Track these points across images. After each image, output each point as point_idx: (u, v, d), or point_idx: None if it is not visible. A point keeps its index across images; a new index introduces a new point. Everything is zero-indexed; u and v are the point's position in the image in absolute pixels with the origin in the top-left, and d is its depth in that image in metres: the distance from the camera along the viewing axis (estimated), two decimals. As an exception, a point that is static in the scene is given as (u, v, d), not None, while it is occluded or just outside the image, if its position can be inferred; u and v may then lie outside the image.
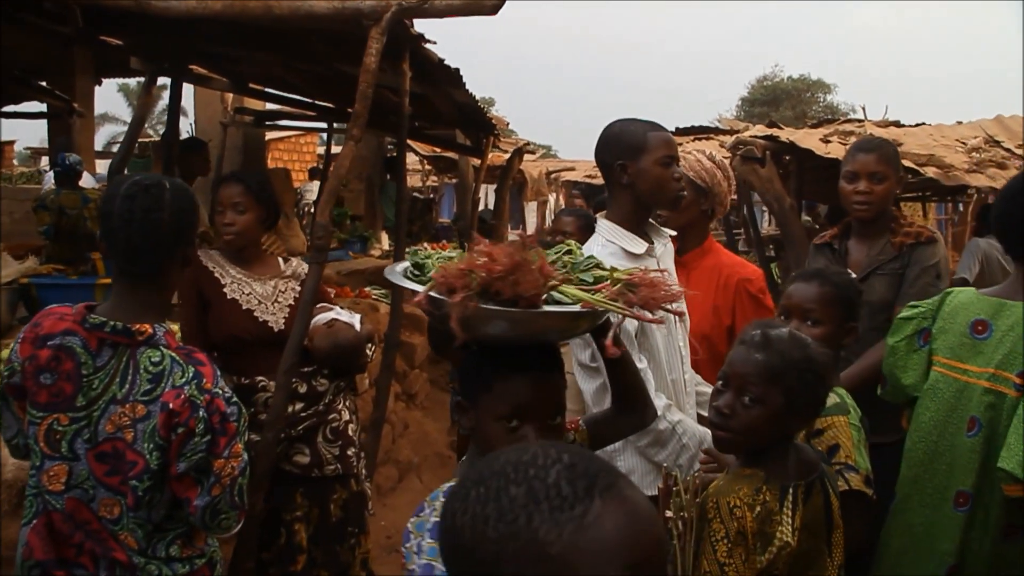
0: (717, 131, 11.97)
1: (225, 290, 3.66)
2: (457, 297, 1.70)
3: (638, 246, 2.90)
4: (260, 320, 3.64)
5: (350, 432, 3.82)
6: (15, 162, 21.85)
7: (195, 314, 3.68)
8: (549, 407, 1.78)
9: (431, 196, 19.31)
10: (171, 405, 2.04)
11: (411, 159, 19.72)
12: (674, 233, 3.14)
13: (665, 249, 3.06)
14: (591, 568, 0.94)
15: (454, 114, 7.33)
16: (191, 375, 2.09)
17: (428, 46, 5.33)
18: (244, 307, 3.64)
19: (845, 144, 6.09)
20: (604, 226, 2.97)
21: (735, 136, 6.37)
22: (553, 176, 18.88)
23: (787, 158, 6.40)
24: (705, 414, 2.78)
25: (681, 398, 2.97)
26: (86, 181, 7.98)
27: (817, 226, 11.70)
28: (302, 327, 3.53)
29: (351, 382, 3.97)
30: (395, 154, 14.64)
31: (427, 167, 19.97)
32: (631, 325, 2.76)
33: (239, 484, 2.13)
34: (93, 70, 8.31)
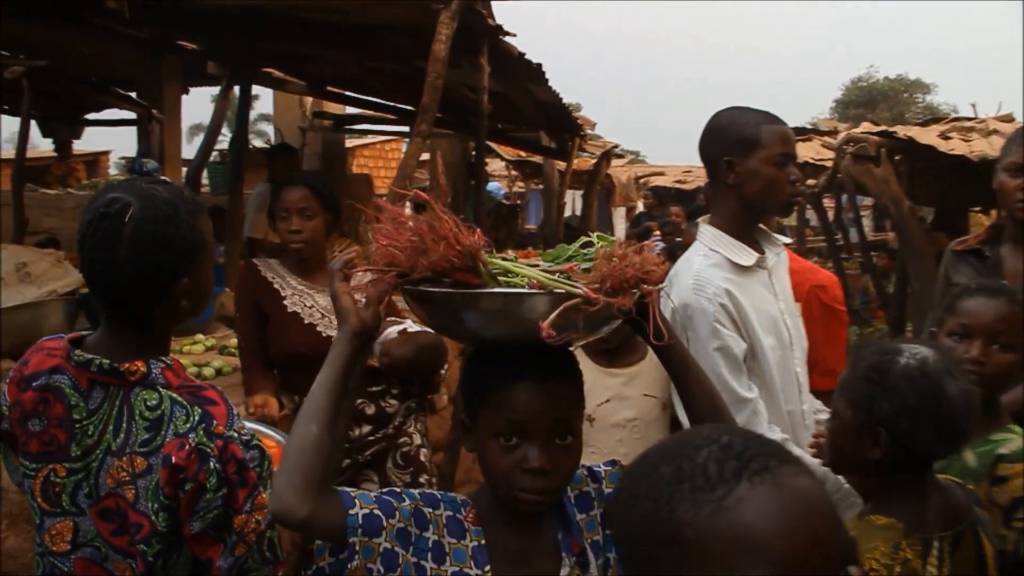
0: (815, 132, 11.42)
1: (285, 303, 3.45)
2: (365, 279, 1.53)
3: (746, 256, 2.52)
4: (323, 335, 3.39)
5: (422, 457, 3.56)
6: (111, 171, 22.31)
7: (253, 329, 3.50)
8: (553, 421, 1.53)
9: (517, 202, 19.04)
10: (174, 459, 1.66)
11: (497, 165, 19.48)
12: (789, 240, 2.71)
13: (779, 260, 2.65)
14: (727, 558, 0.87)
15: (537, 114, 6.99)
16: (197, 418, 1.71)
17: (508, 39, 5.01)
18: (306, 321, 3.42)
19: (967, 140, 5.53)
20: (707, 233, 2.58)
21: (844, 133, 5.84)
22: (642, 181, 18.44)
23: (897, 158, 5.85)
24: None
25: (799, 432, 2.60)
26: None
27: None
28: None
29: (422, 403, 3.65)
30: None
31: (513, 172, 19.70)
32: (738, 347, 2.43)
33: (269, 538, 1.77)
34: (181, 79, 8.28)
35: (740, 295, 2.46)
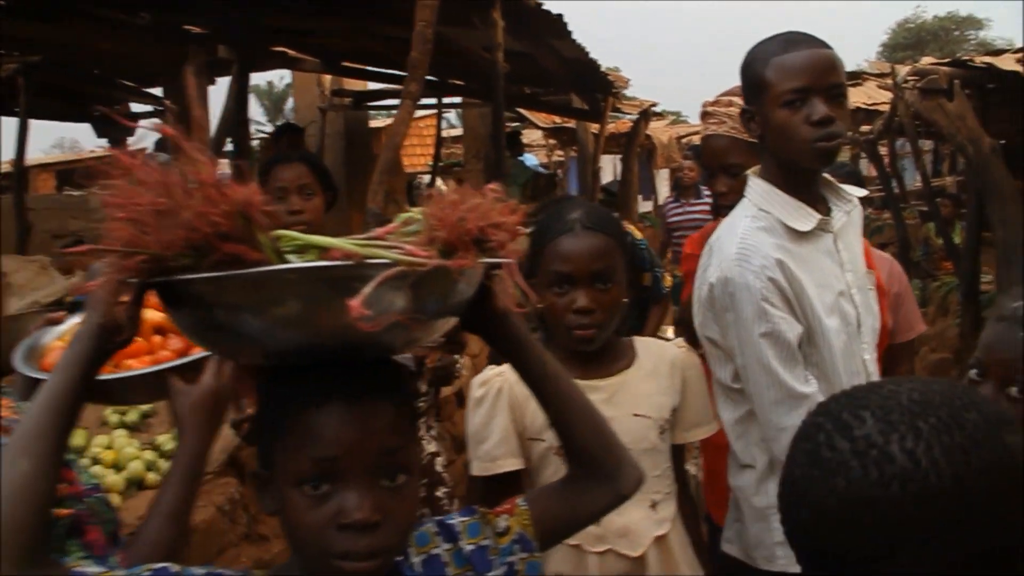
0: (865, 75, 10.75)
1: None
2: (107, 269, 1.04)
3: (804, 219, 2.02)
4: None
5: (437, 467, 3.15)
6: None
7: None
8: (375, 456, 1.12)
9: (557, 172, 18.58)
10: None
11: (535, 135, 18.99)
12: (864, 192, 2.19)
13: (849, 220, 2.13)
14: None
15: (564, 73, 6.47)
16: None
17: (523, -11, 4.54)
18: None
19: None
20: (756, 188, 2.09)
21: (908, 66, 5.25)
22: (685, 141, 17.82)
23: (967, 91, 5.24)
24: None
25: None
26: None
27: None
28: None
29: (434, 400, 3.23)
30: (512, 128, 14.14)
31: (551, 141, 19.23)
32: (792, 331, 1.95)
33: None
34: (206, 71, 8.01)
35: (795, 267, 1.97)
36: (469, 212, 1.07)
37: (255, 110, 37.63)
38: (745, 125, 2.12)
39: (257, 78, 35.29)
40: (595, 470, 1.36)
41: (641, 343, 2.12)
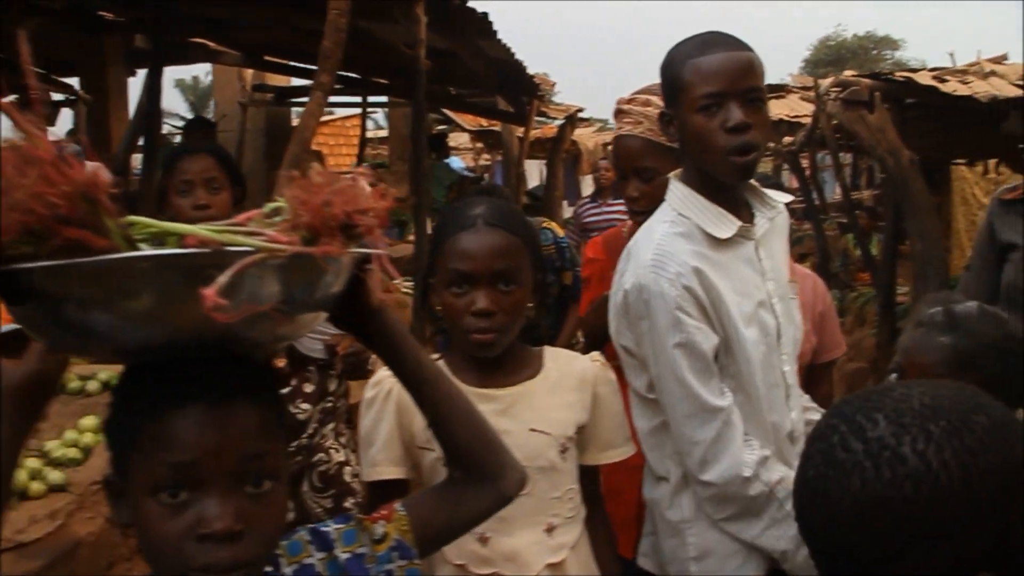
0: (789, 88, 10.92)
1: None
2: None
3: (724, 226, 1.94)
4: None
5: (346, 477, 2.98)
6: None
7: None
8: (238, 460, 1.07)
9: (484, 175, 18.51)
10: None
11: (462, 139, 18.88)
12: (789, 198, 2.12)
13: (772, 226, 2.05)
14: None
15: (490, 74, 6.36)
16: None
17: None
18: None
19: (966, 83, 4.98)
20: (677, 192, 2.00)
21: (831, 77, 5.28)
22: (610, 148, 17.84)
23: (886, 105, 5.30)
24: None
25: (784, 447, 2.01)
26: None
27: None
28: None
29: (346, 408, 3.08)
30: (439, 131, 14.00)
31: (478, 145, 19.15)
32: (707, 342, 1.87)
33: None
34: (124, 61, 7.72)
35: (714, 275, 1.89)
36: (335, 196, 0.99)
37: (179, 105, 36.69)
38: (664, 129, 2.02)
39: (182, 72, 34.45)
40: (476, 472, 1.33)
41: (551, 353, 1.95)
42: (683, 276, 1.85)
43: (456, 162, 14.53)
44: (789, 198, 2.09)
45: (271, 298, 0.97)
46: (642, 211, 2.34)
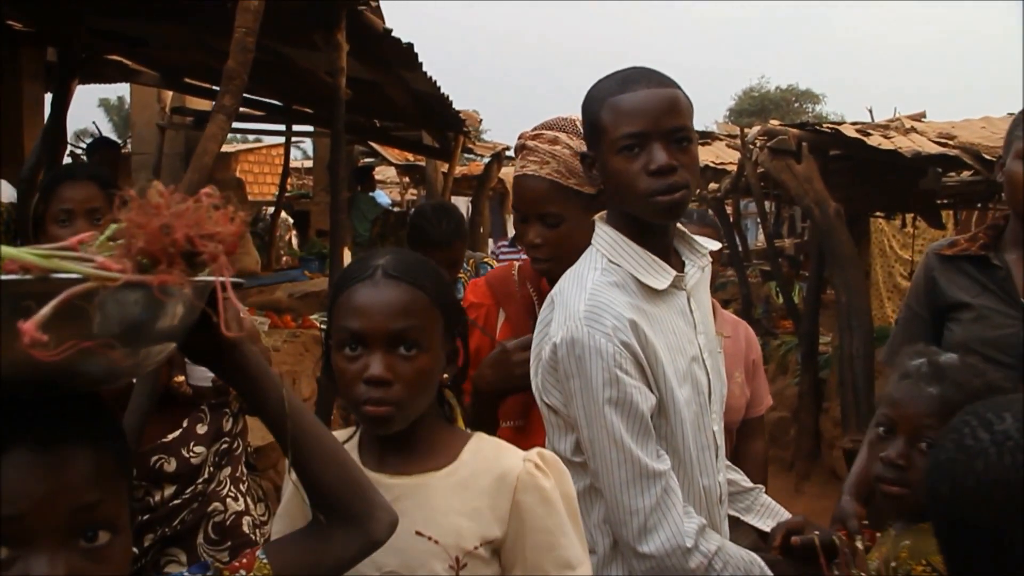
0: (715, 136, 11.04)
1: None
2: None
3: (659, 275, 1.80)
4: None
5: (245, 527, 2.74)
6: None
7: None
8: (70, 514, 0.99)
9: (410, 210, 18.34)
10: None
11: (389, 172, 18.72)
12: (717, 246, 1.99)
13: (703, 276, 1.93)
14: None
15: (414, 107, 6.22)
16: None
17: (371, 14, 4.28)
18: None
19: (889, 138, 5.01)
20: (605, 237, 1.85)
21: (758, 126, 5.27)
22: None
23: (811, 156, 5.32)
24: (735, 513, 2.15)
25: (715, 512, 1.89)
26: (6, 194, 7.02)
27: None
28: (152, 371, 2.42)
29: (244, 448, 2.86)
30: (366, 163, 13.82)
31: (405, 179, 19.02)
32: (645, 402, 1.72)
33: None
34: (43, 76, 7.39)
35: (649, 329, 1.74)
36: (176, 219, 0.91)
37: (103, 124, 35.70)
38: (586, 173, 1.88)
39: (108, 91, 33.56)
40: (342, 515, 1.26)
41: (476, 443, 1.59)
42: (620, 330, 1.70)
43: (382, 196, 14.36)
44: (717, 245, 1.97)
45: (104, 332, 0.89)
46: (544, 259, 2.17)
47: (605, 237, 1.83)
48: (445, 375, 1.58)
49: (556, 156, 2.12)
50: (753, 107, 42.75)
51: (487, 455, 1.56)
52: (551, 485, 1.52)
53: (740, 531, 2.21)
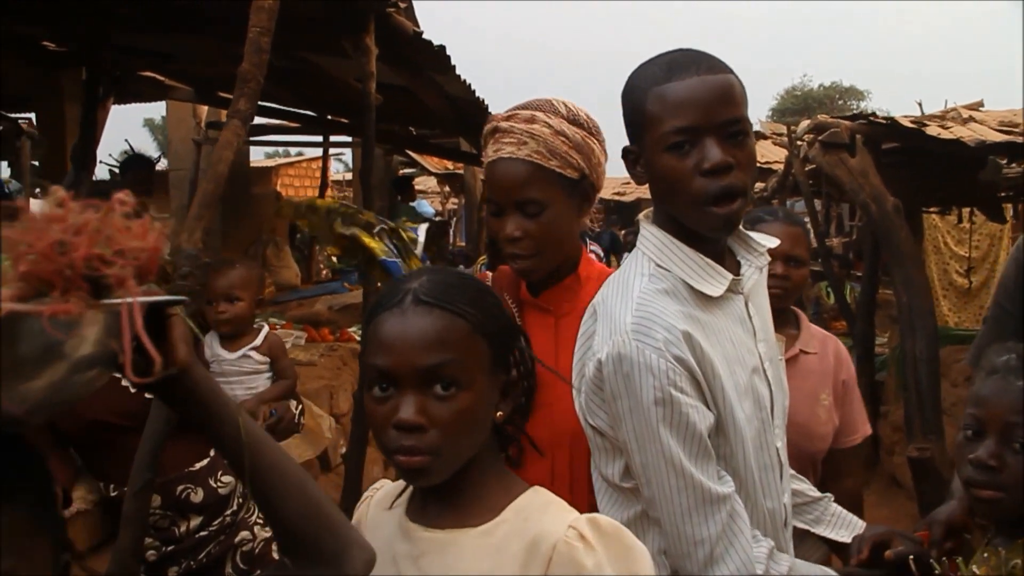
0: (759, 134, 10.77)
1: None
2: None
3: (714, 281, 1.61)
4: (132, 391, 2.46)
5: (275, 554, 2.63)
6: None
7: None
8: None
9: (449, 219, 18.27)
10: None
11: (431, 183, 18.65)
12: (775, 242, 1.79)
13: (760, 277, 1.74)
14: None
15: (448, 112, 6.07)
16: None
17: (401, 16, 4.14)
18: None
19: (946, 128, 4.77)
20: (652, 239, 1.67)
21: (809, 122, 5.03)
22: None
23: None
24: (803, 525, 1.98)
25: (780, 536, 1.70)
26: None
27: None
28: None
29: None
30: (405, 174, 13.72)
31: (446, 188, 18.94)
32: (704, 421, 1.53)
33: None
34: (82, 97, 7.43)
35: (705, 341, 1.56)
36: (75, 235, 0.77)
37: (148, 145, 36.15)
38: (629, 170, 1.67)
39: (152, 111, 33.85)
40: (311, 555, 1.14)
41: (526, 498, 1.34)
42: (672, 344, 1.51)
43: (424, 206, 14.27)
44: (776, 242, 1.77)
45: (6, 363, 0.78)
46: (527, 255, 1.91)
47: (651, 239, 1.65)
48: (499, 412, 1.35)
49: (535, 136, 1.89)
50: (796, 106, 42.13)
51: (531, 514, 1.31)
52: (594, 563, 1.23)
53: (808, 545, 2.03)
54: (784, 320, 2.52)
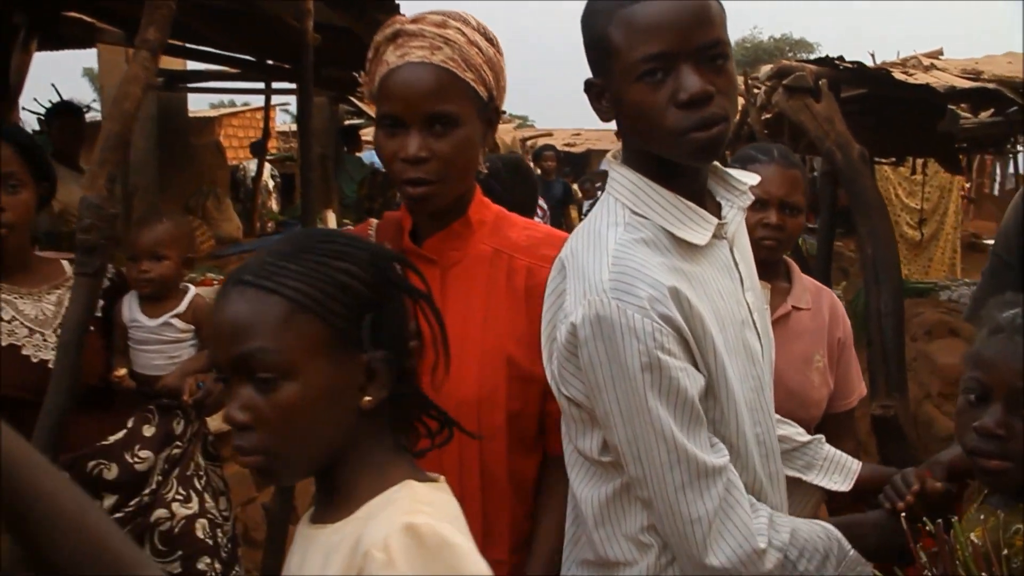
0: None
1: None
2: None
3: (698, 227, 1.44)
4: (37, 360, 2.31)
5: (199, 531, 2.47)
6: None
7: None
8: None
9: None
10: None
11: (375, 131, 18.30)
12: (756, 179, 1.59)
13: (742, 218, 1.57)
14: None
15: (395, 58, 5.78)
16: None
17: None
18: (4, 343, 2.28)
19: (910, 75, 4.63)
20: (623, 182, 1.47)
21: (771, 66, 4.86)
22: (529, 144, 17.63)
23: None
24: (794, 472, 1.82)
25: (774, 498, 1.55)
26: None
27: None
28: (68, 361, 2.12)
29: (199, 442, 2.57)
30: (351, 124, 13.36)
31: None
32: (695, 385, 1.37)
33: None
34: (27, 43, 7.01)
35: (693, 295, 1.39)
36: None
37: (87, 93, 34.90)
38: (593, 104, 1.48)
39: (91, 59, 32.67)
40: None
41: (387, 495, 1.18)
42: (658, 301, 1.34)
43: (370, 156, 13.94)
44: (756, 179, 1.58)
45: None
46: (431, 179, 1.63)
47: (623, 182, 1.46)
48: (367, 397, 1.18)
49: (450, 41, 1.63)
50: (747, 57, 42.33)
51: (375, 513, 1.14)
52: None
53: (801, 492, 1.85)
54: (774, 271, 2.33)
